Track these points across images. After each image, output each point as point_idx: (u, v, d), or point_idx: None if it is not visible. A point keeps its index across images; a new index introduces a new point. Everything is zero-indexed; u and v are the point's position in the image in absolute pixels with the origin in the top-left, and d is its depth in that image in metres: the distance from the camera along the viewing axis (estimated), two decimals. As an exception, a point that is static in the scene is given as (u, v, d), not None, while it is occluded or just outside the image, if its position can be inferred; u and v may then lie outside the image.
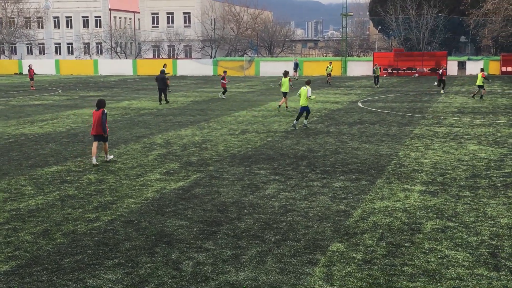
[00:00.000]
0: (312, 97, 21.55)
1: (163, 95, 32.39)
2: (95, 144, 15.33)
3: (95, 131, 15.26)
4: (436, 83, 40.27)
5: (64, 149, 17.78)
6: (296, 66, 58.85)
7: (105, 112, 15.37)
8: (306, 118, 22.23)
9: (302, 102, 21.58)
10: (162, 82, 32.36)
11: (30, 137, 20.45)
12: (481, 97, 33.05)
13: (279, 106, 28.68)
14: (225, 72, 36.84)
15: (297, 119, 21.92)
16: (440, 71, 39.41)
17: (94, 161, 15.14)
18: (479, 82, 32.95)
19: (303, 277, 7.63)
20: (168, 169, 14.65)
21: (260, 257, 8.34)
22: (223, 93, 35.86)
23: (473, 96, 33.92)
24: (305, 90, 21.42)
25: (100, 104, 15.39)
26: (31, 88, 45.78)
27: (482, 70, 34.25)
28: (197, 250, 8.66)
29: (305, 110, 21.75)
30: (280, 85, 28.41)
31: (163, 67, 40.95)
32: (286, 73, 28.38)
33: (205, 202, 11.39)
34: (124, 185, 12.96)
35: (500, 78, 54.84)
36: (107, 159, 15.65)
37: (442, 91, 37.96)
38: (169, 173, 14.17)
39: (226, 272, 7.80)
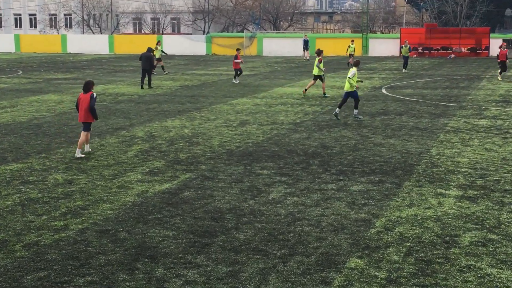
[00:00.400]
0: (353, 80, 21.41)
1: (146, 78, 32.40)
2: (83, 133, 15.95)
3: (84, 118, 15.84)
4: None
5: (25, 143, 17.78)
6: (306, 43, 58.88)
7: (95, 96, 15.89)
8: (355, 107, 22.06)
9: (346, 86, 21.74)
10: (148, 62, 32.35)
11: (-15, 128, 20.48)
12: None
13: (305, 90, 29.29)
14: (238, 50, 36.85)
15: (339, 107, 22.03)
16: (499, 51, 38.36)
17: (78, 153, 15.80)
18: None
19: (314, 299, 7.64)
20: (152, 168, 14.66)
21: (262, 275, 8.36)
22: (236, 76, 35.94)
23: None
24: (350, 71, 21.62)
25: (88, 86, 15.90)
26: None
27: None
28: (186, 266, 8.68)
29: (350, 96, 21.73)
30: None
31: (157, 45, 41.50)
32: (319, 52, 28.64)
33: (196, 209, 11.40)
34: (98, 187, 12.96)
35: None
36: (85, 151, 16.13)
37: (499, 77, 37.09)
38: (152, 173, 14.18)
39: (222, 293, 7.82)
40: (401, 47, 49.48)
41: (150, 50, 33.21)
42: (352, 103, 22.12)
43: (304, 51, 58.86)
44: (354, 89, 21.54)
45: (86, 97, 15.73)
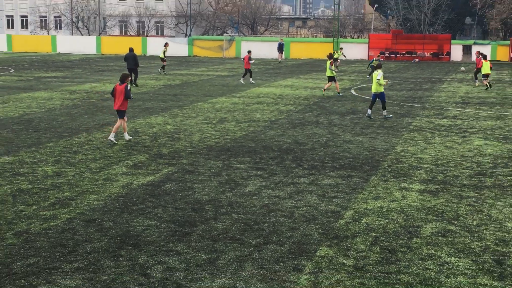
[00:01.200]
0: (382, 82, 21.44)
1: (132, 76, 32.26)
2: (119, 120, 16.90)
3: (118, 106, 16.82)
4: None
5: (16, 137, 17.61)
6: (281, 47, 58.97)
7: (129, 87, 16.95)
8: (383, 108, 22.01)
9: (373, 88, 21.73)
10: (133, 61, 32.47)
11: (-22, 122, 20.25)
12: (488, 87, 32.82)
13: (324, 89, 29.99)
14: (249, 52, 37.16)
15: (370, 108, 22.11)
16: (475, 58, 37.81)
17: (112, 138, 16.66)
18: (486, 71, 32.81)
19: (287, 285, 7.66)
20: (136, 161, 14.59)
21: (238, 262, 8.36)
22: (246, 75, 36.03)
23: (489, 85, 33.05)
24: (376, 73, 21.61)
25: (124, 78, 16.96)
26: None
27: (485, 57, 33.82)
28: (167, 254, 8.65)
29: (377, 97, 21.73)
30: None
31: (164, 46, 42.59)
32: (330, 56, 29.87)
33: (177, 200, 11.37)
34: (85, 179, 12.88)
35: (510, 65, 55.37)
36: (127, 139, 17.09)
37: (477, 83, 36.37)
38: (136, 166, 14.11)
39: (200, 279, 7.81)
40: (372, 60, 49.26)
41: (132, 50, 33.27)
42: (327, 106, 22.16)
43: (279, 53, 58.95)
44: (382, 90, 21.59)
45: (122, 88, 16.68)
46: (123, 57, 32.19)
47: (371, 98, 22.26)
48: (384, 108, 22.00)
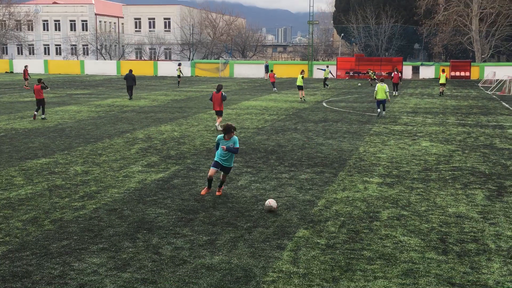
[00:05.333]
0: (387, 92, 24.39)
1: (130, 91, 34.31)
2: (218, 117, 20.10)
3: (217, 108, 19.86)
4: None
5: (52, 143, 17.51)
6: (267, 68, 59.43)
7: (224, 94, 19.59)
8: (384, 110, 25.03)
9: (380, 96, 24.20)
10: (131, 80, 33.88)
11: (20, 131, 20.09)
12: (441, 94, 35.52)
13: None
14: (272, 71, 42.33)
15: (378, 107, 24.72)
16: (392, 74, 39.65)
17: (218, 127, 19.61)
18: (442, 80, 36.98)
19: (272, 260, 7.65)
20: (149, 161, 14.54)
21: (233, 242, 8.34)
22: (274, 87, 40.85)
23: (441, 93, 36.95)
24: (386, 87, 24.37)
25: (219, 88, 19.70)
26: (25, 87, 44.14)
27: (443, 71, 37.51)
28: (175, 236, 8.62)
29: (381, 103, 24.53)
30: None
31: (179, 66, 47.07)
32: (302, 71, 34.28)
33: (183, 192, 11.34)
34: (108, 176, 12.82)
35: (450, 82, 55.65)
36: (219, 129, 19.43)
37: (395, 93, 38.12)
38: (150, 165, 14.06)
39: (202, 256, 7.79)
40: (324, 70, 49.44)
41: (131, 71, 34.77)
42: (303, 115, 22.09)
43: (265, 73, 59.27)
44: (386, 97, 24.23)
45: (218, 95, 19.56)
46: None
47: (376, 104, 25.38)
48: (384, 109, 25.03)
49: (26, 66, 47.06)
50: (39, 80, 24.32)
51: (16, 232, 8.79)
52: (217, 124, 20.04)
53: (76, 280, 6.95)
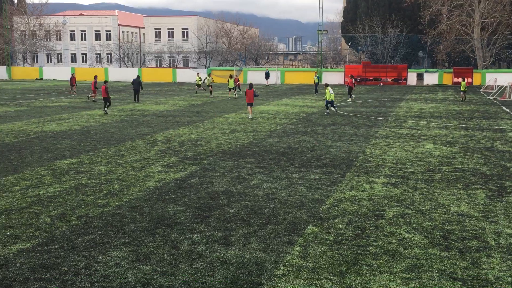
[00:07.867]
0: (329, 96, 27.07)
1: (137, 96, 35.43)
2: (249, 107, 25.13)
3: (249, 100, 25.14)
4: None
5: (78, 144, 17.66)
6: (267, 75, 59.69)
7: (255, 91, 22.50)
8: (333, 106, 27.67)
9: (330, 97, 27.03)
10: (137, 85, 34.84)
11: (49, 133, 20.29)
12: (463, 100, 36.09)
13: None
14: (318, 77, 45.77)
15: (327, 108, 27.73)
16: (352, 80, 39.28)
17: (250, 116, 24.67)
18: (463, 88, 36.92)
19: (283, 255, 7.66)
20: (168, 162, 14.61)
21: (246, 238, 8.36)
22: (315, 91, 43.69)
23: (463, 100, 36.79)
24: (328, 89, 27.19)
25: (251, 86, 25.13)
26: (70, 92, 43.18)
27: (463, 79, 37.86)
28: (192, 232, 8.66)
29: (329, 103, 27.30)
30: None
31: (209, 76, 48.39)
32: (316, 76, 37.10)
33: (199, 191, 11.38)
34: (130, 175, 12.91)
35: (452, 87, 55.27)
36: (250, 117, 24.37)
37: (349, 99, 37.49)
38: (168, 165, 14.14)
39: (217, 251, 7.81)
40: (315, 77, 47.62)
41: (138, 77, 35.41)
42: (313, 119, 22.05)
43: (266, 79, 59.85)
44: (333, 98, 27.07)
45: (251, 91, 24.80)
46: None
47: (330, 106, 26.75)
48: (333, 107, 27.51)
49: (73, 74, 44.86)
50: (105, 82, 28.79)
51: (45, 227, 8.88)
52: (250, 115, 24.67)
53: (100, 272, 7.01)
